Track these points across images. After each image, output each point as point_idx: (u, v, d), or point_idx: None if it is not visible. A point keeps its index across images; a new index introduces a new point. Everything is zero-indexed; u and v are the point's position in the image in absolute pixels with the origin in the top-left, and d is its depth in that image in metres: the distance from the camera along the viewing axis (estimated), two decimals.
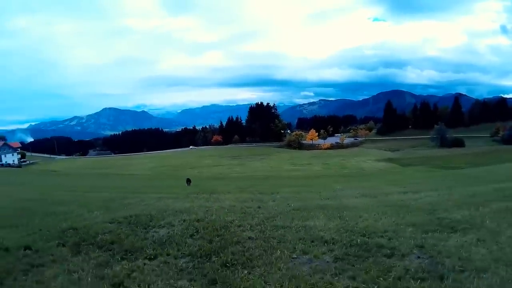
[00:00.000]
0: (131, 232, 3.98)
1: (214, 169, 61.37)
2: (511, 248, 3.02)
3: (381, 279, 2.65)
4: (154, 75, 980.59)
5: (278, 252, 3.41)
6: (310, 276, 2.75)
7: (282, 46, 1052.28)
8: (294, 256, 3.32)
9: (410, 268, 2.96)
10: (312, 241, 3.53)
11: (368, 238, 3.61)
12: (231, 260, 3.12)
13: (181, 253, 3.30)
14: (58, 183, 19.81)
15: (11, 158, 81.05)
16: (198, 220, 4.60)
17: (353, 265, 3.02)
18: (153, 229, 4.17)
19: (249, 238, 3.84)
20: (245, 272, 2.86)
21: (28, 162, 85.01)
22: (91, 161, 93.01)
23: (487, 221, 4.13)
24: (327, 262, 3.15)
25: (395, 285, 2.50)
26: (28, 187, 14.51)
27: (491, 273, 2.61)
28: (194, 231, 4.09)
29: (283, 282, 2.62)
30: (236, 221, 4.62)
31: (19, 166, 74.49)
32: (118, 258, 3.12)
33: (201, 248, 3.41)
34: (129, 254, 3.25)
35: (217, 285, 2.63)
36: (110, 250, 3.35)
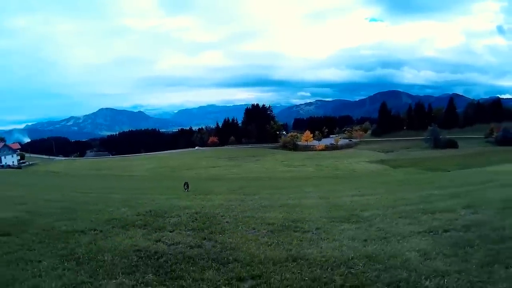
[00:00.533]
0: (154, 220, 6.01)
1: (211, 170, 62.75)
2: (368, 233, 5.01)
3: (282, 239, 4.73)
4: (152, 75, 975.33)
5: (240, 228, 5.45)
6: (251, 236, 4.88)
7: (280, 46, 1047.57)
8: (248, 230, 5.34)
9: (302, 237, 4.90)
10: (261, 224, 5.64)
11: (294, 223, 5.60)
12: (213, 231, 5.21)
13: (187, 229, 5.35)
14: (68, 185, 21.57)
15: (11, 159, 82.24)
16: (196, 213, 6.66)
17: (274, 234, 5.01)
18: (168, 218, 6.18)
19: (226, 222, 5.93)
20: (220, 235, 4.95)
21: (27, 163, 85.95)
22: (90, 162, 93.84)
23: (377, 219, 5.89)
24: (263, 232, 5.17)
25: (287, 241, 4.59)
26: (45, 190, 16.11)
27: (338, 242, 4.54)
28: (194, 219, 6.15)
29: (237, 238, 4.72)
30: (221, 213, 6.73)
31: (19, 167, 75.29)
32: (153, 231, 5.15)
33: (198, 226, 5.50)
34: (158, 230, 5.26)
35: (206, 239, 4.73)
36: (146, 229, 5.38)
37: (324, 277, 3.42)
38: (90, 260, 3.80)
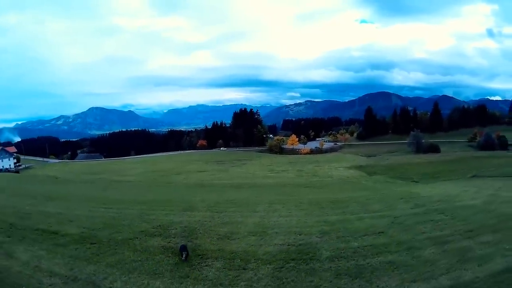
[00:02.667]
0: (164, 231, 10.89)
1: (198, 175, 67.01)
2: (252, 241, 9.88)
3: (219, 242, 9.96)
4: (142, 74, 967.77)
5: (204, 235, 10.40)
6: (208, 240, 10.17)
7: (269, 46, 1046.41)
8: (207, 237, 10.24)
9: (228, 240, 9.99)
10: (215, 233, 10.49)
11: (230, 234, 10.13)
12: (192, 237, 10.25)
13: (181, 236, 10.52)
14: (80, 196, 26.26)
15: (8, 163, 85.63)
16: (185, 227, 11.64)
17: (218, 240, 10.05)
18: (170, 230, 11.10)
19: (200, 233, 10.83)
20: (195, 239, 10.16)
21: (23, 166, 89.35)
22: (83, 165, 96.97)
23: (265, 233, 10.81)
24: (214, 238, 10.01)
25: (221, 243, 9.89)
26: (70, 204, 19.32)
27: (237, 241, 9.81)
28: (184, 230, 11.13)
29: (201, 240, 10.04)
30: (197, 227, 11.49)
31: (16, 171, 78.73)
32: (165, 238, 10.30)
33: (186, 235, 10.65)
34: (167, 237, 10.29)
35: (189, 242, 9.98)
36: (161, 236, 10.50)
37: (219, 253, 8.81)
38: (145, 249, 9.10)
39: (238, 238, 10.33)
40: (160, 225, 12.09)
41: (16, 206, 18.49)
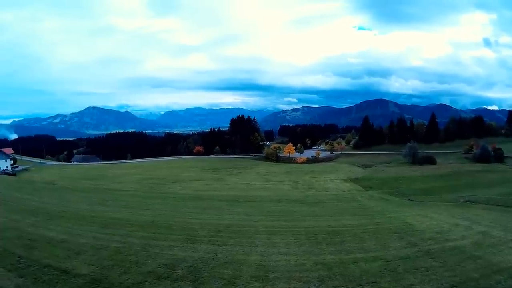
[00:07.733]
0: (171, 273, 11.80)
1: (195, 184, 67.27)
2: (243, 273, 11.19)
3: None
4: (138, 75, 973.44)
5: (208, 275, 11.30)
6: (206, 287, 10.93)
7: (266, 50, 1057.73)
8: (209, 279, 11.35)
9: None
10: (215, 272, 11.46)
11: (236, 280, 11.63)
12: (200, 274, 10.81)
13: (188, 279, 11.13)
14: (77, 211, 26.52)
15: (5, 164, 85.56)
16: (191, 266, 12.30)
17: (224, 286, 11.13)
18: (177, 270, 11.92)
19: (205, 274, 11.51)
20: (202, 281, 10.96)
21: (20, 168, 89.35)
22: (80, 169, 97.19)
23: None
24: (217, 284, 11.19)
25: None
26: (70, 224, 19.99)
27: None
28: (189, 271, 11.54)
29: (207, 276, 10.81)
30: (202, 265, 11.92)
31: (13, 174, 78.72)
32: (173, 281, 11.12)
33: (195, 275, 11.15)
34: (176, 280, 11.10)
35: (195, 281, 10.46)
36: (169, 279, 11.14)
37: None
38: None
39: (242, 284, 10.68)
40: (166, 264, 12.55)
41: (18, 227, 18.63)
